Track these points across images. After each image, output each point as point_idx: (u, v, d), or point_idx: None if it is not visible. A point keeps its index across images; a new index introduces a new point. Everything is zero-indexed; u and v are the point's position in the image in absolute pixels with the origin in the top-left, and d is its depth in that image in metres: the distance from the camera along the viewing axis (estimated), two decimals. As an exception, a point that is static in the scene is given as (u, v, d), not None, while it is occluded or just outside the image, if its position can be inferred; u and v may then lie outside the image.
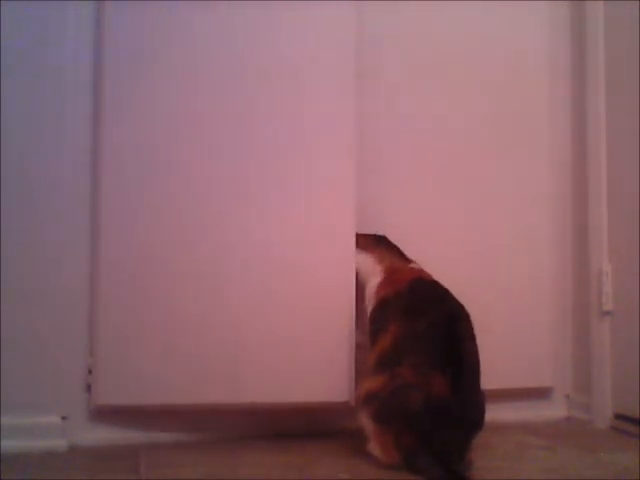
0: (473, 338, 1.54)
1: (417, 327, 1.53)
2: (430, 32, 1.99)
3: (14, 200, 1.63)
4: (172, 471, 1.49)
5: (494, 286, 1.97)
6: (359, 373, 1.71)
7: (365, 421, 1.54)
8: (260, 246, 1.75)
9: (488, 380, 1.86)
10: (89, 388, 1.67)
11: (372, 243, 1.79)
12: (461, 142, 1.98)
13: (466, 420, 1.48)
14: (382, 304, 1.65)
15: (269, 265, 1.76)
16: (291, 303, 1.76)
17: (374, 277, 1.72)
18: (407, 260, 1.77)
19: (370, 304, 1.70)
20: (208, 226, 1.73)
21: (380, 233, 1.82)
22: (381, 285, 1.69)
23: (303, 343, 1.76)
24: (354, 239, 1.81)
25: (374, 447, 1.54)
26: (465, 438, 1.49)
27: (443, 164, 1.97)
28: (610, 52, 2.01)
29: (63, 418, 1.65)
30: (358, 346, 1.77)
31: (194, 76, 1.74)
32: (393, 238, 1.82)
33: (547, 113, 2.10)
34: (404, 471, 1.46)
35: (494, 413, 1.96)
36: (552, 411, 2.07)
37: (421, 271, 1.71)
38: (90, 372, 1.67)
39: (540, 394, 2.06)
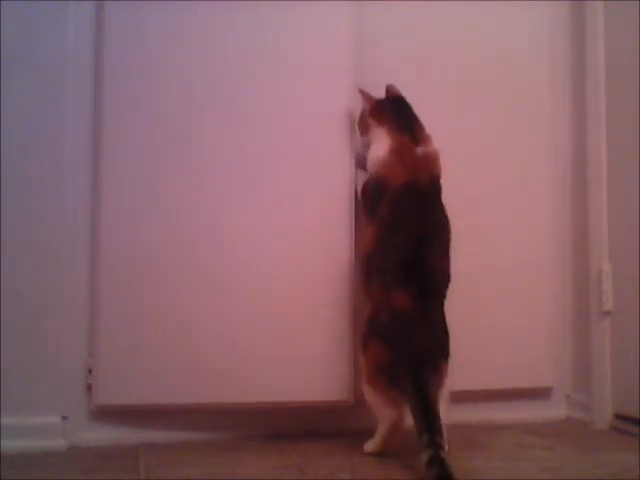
0: (443, 256, 1.62)
1: (389, 244, 1.60)
2: (430, 32, 1.99)
3: (14, 200, 1.63)
4: (172, 471, 1.49)
5: (494, 286, 1.97)
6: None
7: (361, 362, 1.63)
8: (259, 246, 1.75)
9: (488, 380, 1.87)
10: (89, 388, 1.68)
11: (388, 114, 1.75)
12: (460, 142, 1.98)
13: (430, 333, 1.56)
14: (378, 185, 1.67)
15: (268, 265, 1.76)
16: (291, 303, 1.76)
17: (380, 147, 1.70)
18: (419, 139, 1.71)
19: (369, 171, 1.72)
20: (207, 226, 1.73)
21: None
22: (383, 163, 1.68)
23: (303, 342, 1.76)
24: (352, 240, 1.81)
25: (364, 388, 1.61)
26: (430, 354, 1.54)
27: (442, 164, 1.96)
28: (610, 52, 2.01)
29: (63, 418, 1.65)
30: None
31: (193, 75, 1.75)
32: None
33: (547, 113, 2.10)
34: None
35: (494, 413, 1.97)
36: (552, 411, 2.06)
37: (425, 163, 1.67)
38: (90, 372, 1.67)
39: (540, 394, 2.06)
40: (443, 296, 1.63)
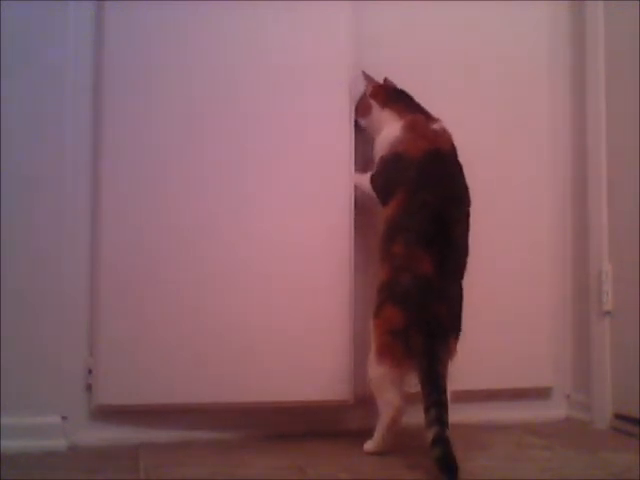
0: (462, 222, 1.62)
1: (414, 204, 1.60)
2: (430, 32, 1.98)
3: (14, 200, 1.63)
4: (172, 471, 1.49)
5: (494, 286, 1.96)
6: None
7: (372, 331, 1.59)
8: (260, 247, 1.75)
9: (488, 380, 1.87)
10: (89, 388, 1.67)
11: (392, 98, 1.79)
12: (460, 142, 1.98)
13: (447, 305, 1.55)
14: (396, 160, 1.67)
15: (268, 265, 1.76)
16: (291, 303, 1.76)
17: (392, 129, 1.72)
18: (430, 118, 1.75)
19: (381, 152, 1.72)
20: (207, 226, 1.73)
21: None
22: (399, 140, 1.69)
23: (303, 343, 1.76)
24: (352, 240, 1.81)
25: (373, 362, 1.57)
26: (444, 326, 1.53)
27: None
28: (610, 52, 2.01)
29: (63, 418, 1.65)
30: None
31: (193, 74, 1.75)
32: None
33: (547, 113, 2.10)
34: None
35: (494, 413, 1.97)
36: (552, 411, 2.06)
37: (442, 135, 1.71)
38: (90, 372, 1.67)
39: (540, 394, 2.06)
40: (463, 268, 1.63)
